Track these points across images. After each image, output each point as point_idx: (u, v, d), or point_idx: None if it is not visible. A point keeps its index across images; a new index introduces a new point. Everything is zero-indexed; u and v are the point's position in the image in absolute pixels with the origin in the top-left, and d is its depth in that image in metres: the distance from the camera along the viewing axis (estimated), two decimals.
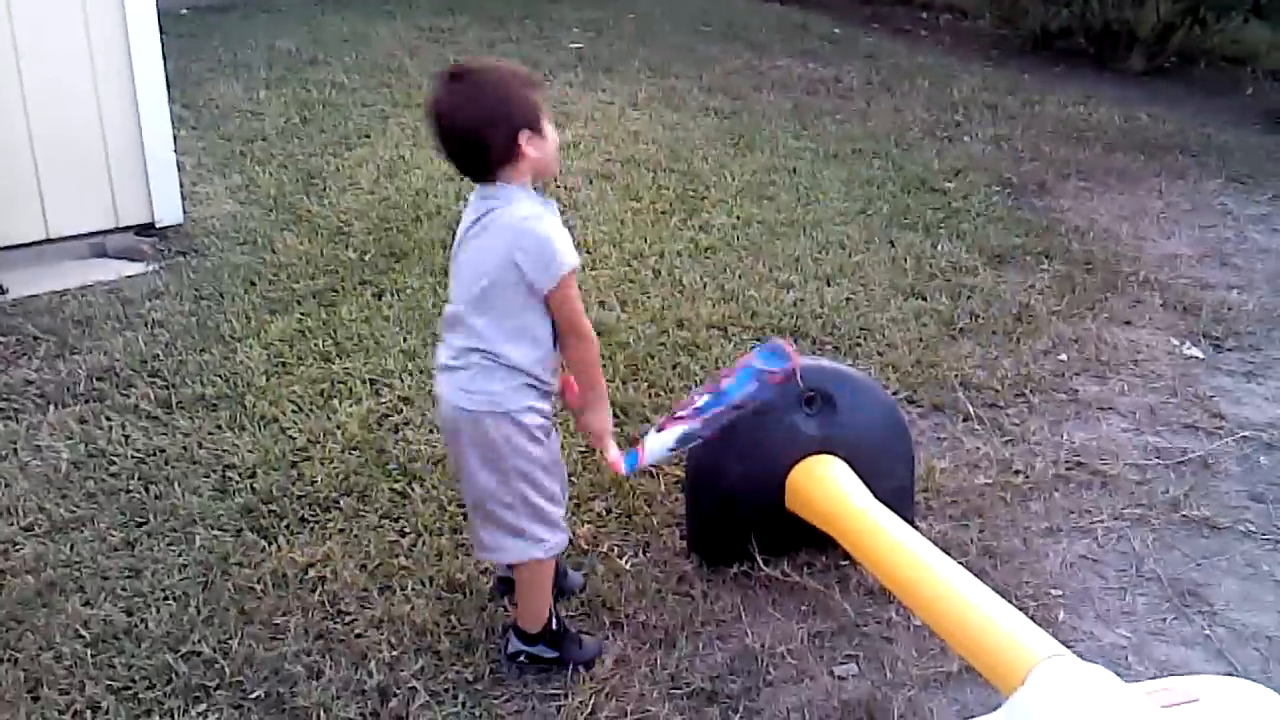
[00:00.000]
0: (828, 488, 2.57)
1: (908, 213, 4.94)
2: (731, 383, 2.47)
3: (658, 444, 2.43)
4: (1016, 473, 3.11)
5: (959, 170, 5.51)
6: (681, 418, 2.45)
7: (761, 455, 2.62)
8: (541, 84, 2.22)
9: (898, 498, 2.64)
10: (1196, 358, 3.79)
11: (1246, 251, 4.75)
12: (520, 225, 2.10)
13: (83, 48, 4.18)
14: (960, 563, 2.27)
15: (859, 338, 3.82)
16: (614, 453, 2.34)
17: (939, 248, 4.57)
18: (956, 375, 3.59)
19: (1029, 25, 8.55)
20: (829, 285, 4.20)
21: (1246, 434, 3.34)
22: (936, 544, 2.34)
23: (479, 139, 2.09)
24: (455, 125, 2.11)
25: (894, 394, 3.48)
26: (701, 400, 2.47)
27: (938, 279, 4.29)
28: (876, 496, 2.51)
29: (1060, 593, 2.66)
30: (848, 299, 4.09)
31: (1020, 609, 2.07)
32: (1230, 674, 2.41)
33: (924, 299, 4.13)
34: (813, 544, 2.69)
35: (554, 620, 2.38)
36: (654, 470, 3.05)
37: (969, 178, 5.41)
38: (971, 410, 3.41)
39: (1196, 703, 1.77)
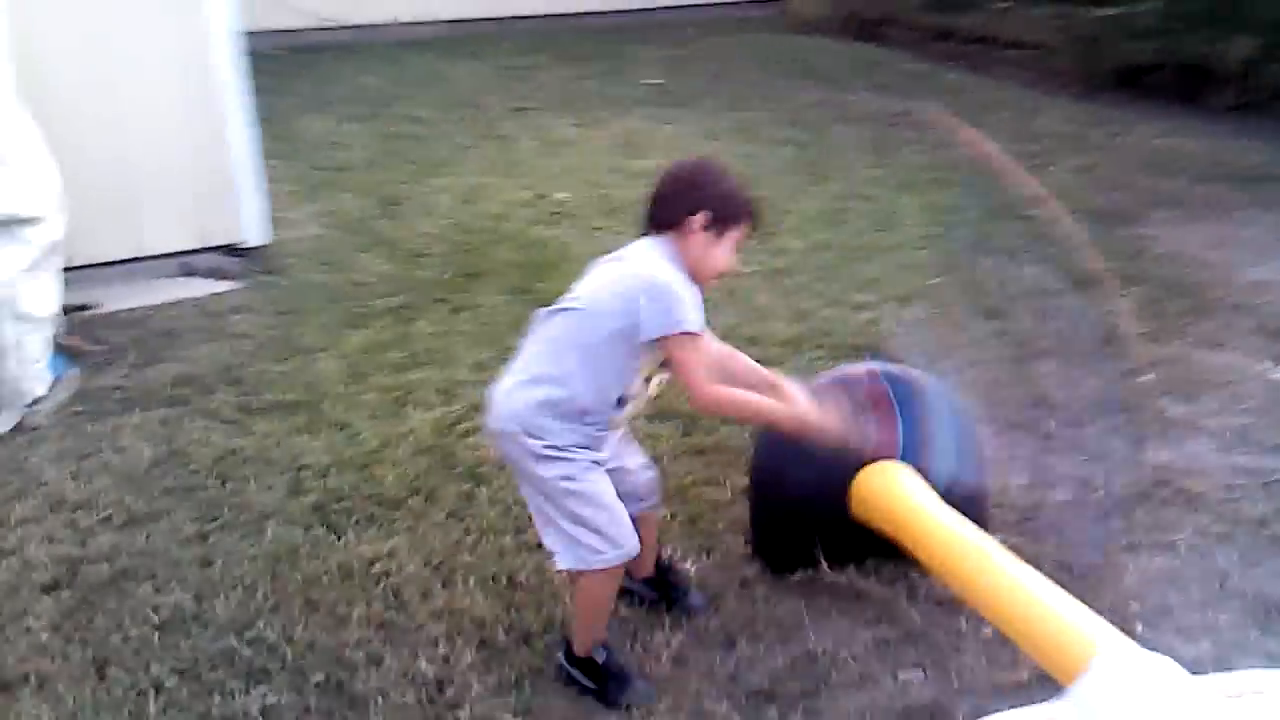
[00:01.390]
0: (893, 491, 2.52)
1: (989, 239, 4.87)
2: None
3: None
4: (1096, 489, 3.02)
5: (1042, 199, 5.43)
6: None
7: (826, 460, 2.58)
8: (760, 212, 2.28)
9: (971, 505, 2.58)
10: None
11: None
12: (659, 274, 2.12)
13: (174, 76, 4.36)
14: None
15: (936, 357, 3.76)
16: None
17: (1022, 271, 4.49)
18: (1036, 394, 3.51)
19: (1111, 61, 8.42)
20: (905, 306, 4.16)
21: None
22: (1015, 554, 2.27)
23: (664, 197, 2.18)
24: (662, 181, 2.22)
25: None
26: None
27: (1019, 301, 4.22)
28: (951, 504, 2.46)
29: (1138, 607, 2.57)
30: (925, 319, 4.04)
31: None
32: None
33: (1004, 320, 4.05)
34: (881, 554, 2.63)
35: (604, 655, 2.29)
36: (719, 477, 3.04)
37: (1052, 206, 5.32)
38: (1051, 428, 3.33)
39: (1262, 695, 1.69)
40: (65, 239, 3.48)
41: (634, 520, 2.31)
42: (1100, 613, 2.50)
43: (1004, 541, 2.71)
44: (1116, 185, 5.68)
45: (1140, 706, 1.66)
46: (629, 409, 2.22)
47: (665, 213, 2.18)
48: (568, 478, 2.15)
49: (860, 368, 2.72)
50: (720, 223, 2.17)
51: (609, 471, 2.25)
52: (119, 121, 4.25)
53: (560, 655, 2.33)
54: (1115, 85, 8.35)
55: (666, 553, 2.66)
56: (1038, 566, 2.64)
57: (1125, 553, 2.75)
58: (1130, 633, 2.45)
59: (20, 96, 3.46)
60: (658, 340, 2.09)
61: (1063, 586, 2.58)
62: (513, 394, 2.17)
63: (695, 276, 2.17)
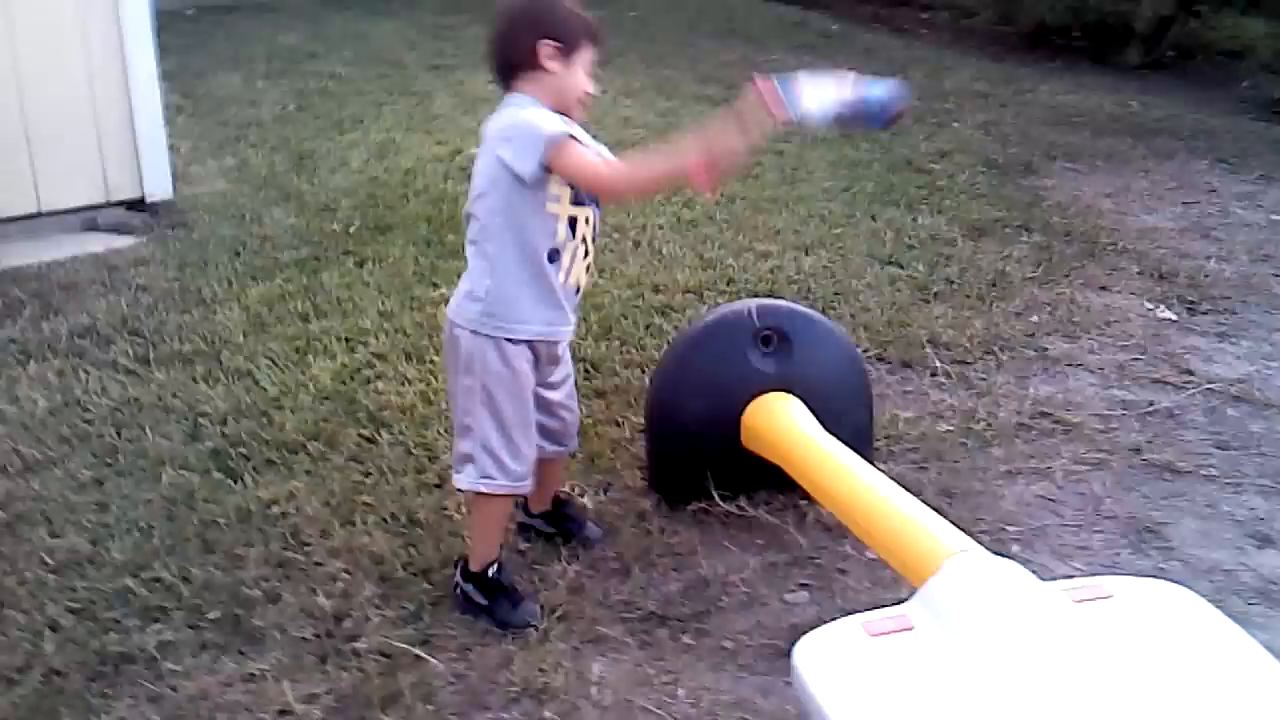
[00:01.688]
0: (780, 423, 2.60)
1: (891, 190, 4.97)
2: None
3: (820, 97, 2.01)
4: (979, 421, 3.13)
5: (945, 153, 5.55)
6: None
7: (718, 392, 2.66)
8: (598, 30, 2.21)
9: (856, 439, 2.65)
10: (1170, 320, 3.81)
11: (1229, 226, 4.77)
12: (503, 118, 2.11)
13: (76, 31, 4.26)
14: (919, 499, 2.27)
15: (833, 301, 3.85)
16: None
17: (919, 221, 4.61)
18: (927, 334, 3.62)
19: (1025, 21, 8.59)
20: (807, 255, 4.24)
21: (1215, 387, 3.36)
22: (896, 482, 2.33)
23: (504, 38, 2.16)
24: (495, 25, 2.18)
25: (864, 351, 3.51)
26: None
27: (916, 249, 4.33)
28: (837, 437, 2.54)
29: (1016, 529, 2.69)
30: (825, 267, 4.13)
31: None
32: None
33: (901, 267, 4.16)
34: (774, 485, 2.71)
35: (496, 570, 2.35)
36: (618, 418, 3.09)
37: (955, 159, 5.45)
38: (939, 365, 3.44)
39: (1110, 599, 1.78)
40: None
41: (545, 460, 2.40)
42: (977, 535, 2.62)
43: (889, 469, 2.83)
44: (1019, 139, 5.82)
45: (986, 605, 1.75)
46: (565, 261, 2.19)
47: (511, 54, 2.14)
48: (485, 388, 2.20)
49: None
50: (567, 48, 2.13)
51: (543, 403, 2.32)
52: (15, 74, 4.16)
53: (456, 575, 2.39)
54: (1029, 45, 8.53)
55: (564, 488, 2.71)
56: (920, 491, 2.76)
57: (1004, 480, 2.87)
58: (1006, 554, 2.58)
59: None
60: (542, 171, 2.06)
61: (943, 510, 2.69)
62: (457, 302, 2.23)
63: (561, 109, 2.14)
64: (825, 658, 1.74)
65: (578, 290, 2.28)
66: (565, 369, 2.41)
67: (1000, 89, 6.87)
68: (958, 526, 2.16)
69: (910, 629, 1.77)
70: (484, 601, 2.35)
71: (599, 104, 6.21)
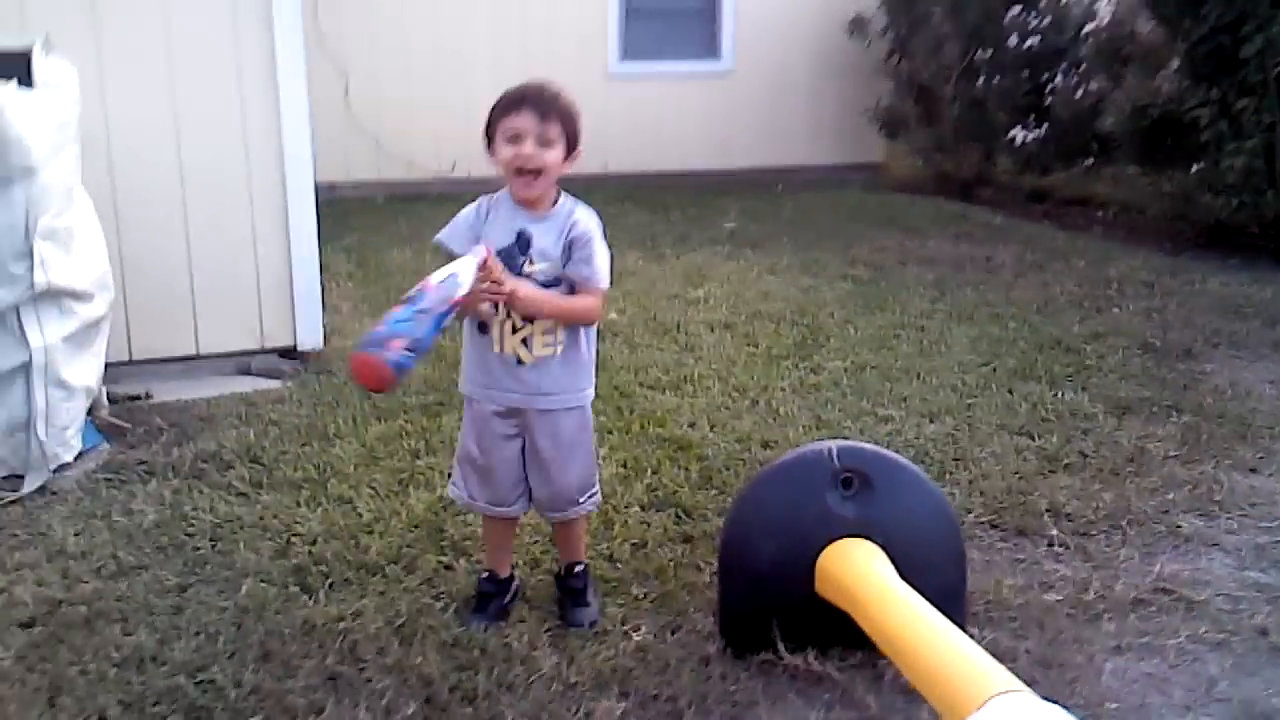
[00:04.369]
0: (855, 569, 2.45)
1: (1034, 366, 4.78)
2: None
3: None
4: (1092, 593, 2.87)
5: (1099, 335, 5.32)
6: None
7: (792, 533, 2.54)
8: (506, 98, 2.50)
9: (943, 597, 2.47)
10: None
11: None
12: None
13: (244, 194, 4.63)
14: (1010, 668, 2.06)
15: (951, 467, 3.68)
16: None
17: (1060, 396, 4.39)
18: (1048, 504, 3.39)
19: (1197, 217, 8.31)
20: (931, 421, 4.09)
21: None
22: (988, 650, 2.14)
23: None
24: None
25: (976, 516, 3.32)
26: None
27: (1051, 422, 4.11)
28: (920, 594, 2.37)
29: (1115, 705, 2.42)
30: (949, 434, 3.97)
31: None
32: None
33: (1031, 438, 3.95)
34: (849, 642, 2.54)
35: (483, 577, 2.78)
36: (700, 563, 2.99)
37: (1108, 341, 5.21)
38: (1057, 535, 3.20)
39: None
40: (108, 317, 3.71)
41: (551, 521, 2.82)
42: (1072, 709, 2.37)
43: (982, 635, 2.62)
44: (1181, 325, 5.54)
45: None
46: (495, 333, 2.55)
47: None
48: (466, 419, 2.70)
49: None
50: (489, 135, 2.51)
51: (533, 459, 2.64)
52: (185, 230, 4.53)
53: None
54: (1205, 243, 8.22)
55: (579, 568, 2.82)
56: (1014, 660, 2.54)
57: (1109, 654, 2.60)
58: None
59: (87, 183, 3.75)
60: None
61: (1037, 680, 2.47)
62: None
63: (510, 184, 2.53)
64: None
65: (519, 362, 2.55)
66: (546, 445, 2.61)
67: (1166, 279, 6.60)
68: (1050, 699, 1.95)
69: None
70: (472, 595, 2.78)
71: (742, 277, 6.35)
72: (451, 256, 2.43)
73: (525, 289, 2.46)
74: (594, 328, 2.65)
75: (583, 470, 2.68)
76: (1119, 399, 4.36)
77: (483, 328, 2.57)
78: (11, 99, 3.28)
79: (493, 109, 2.50)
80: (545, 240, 2.51)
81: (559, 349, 2.56)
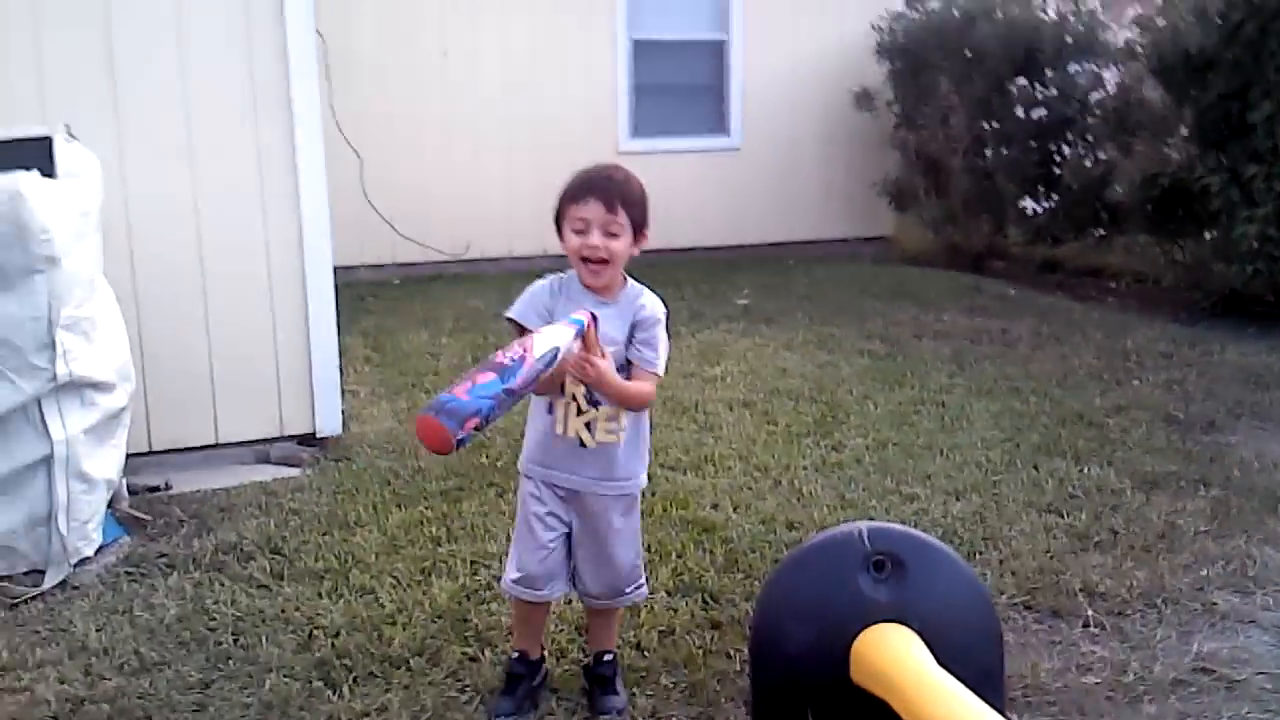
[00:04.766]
0: (891, 655, 2.40)
1: (1058, 442, 4.74)
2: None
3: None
4: (1131, 675, 2.81)
5: (1122, 408, 5.28)
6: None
7: (823, 618, 2.49)
8: (572, 185, 2.55)
9: (982, 682, 2.42)
10: None
11: None
12: None
13: (264, 284, 4.65)
14: None
15: (980, 546, 3.63)
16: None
17: (1086, 472, 4.35)
18: (1081, 583, 3.34)
19: (1212, 286, 8.30)
20: (957, 499, 4.05)
21: None
22: None
23: None
24: None
25: (1009, 598, 3.27)
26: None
27: (1079, 499, 4.07)
28: (959, 679, 2.32)
29: None
30: (975, 512, 3.92)
31: None
32: None
33: (1061, 515, 3.90)
34: None
35: (513, 659, 2.76)
36: (730, 650, 2.94)
37: (1131, 414, 5.18)
38: (1092, 615, 3.15)
39: None
40: (129, 408, 3.71)
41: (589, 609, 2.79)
42: None
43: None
44: (1203, 396, 5.50)
45: None
46: (559, 413, 2.56)
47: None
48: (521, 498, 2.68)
49: None
50: (559, 220, 2.53)
51: (584, 544, 2.63)
52: (206, 320, 4.55)
53: None
54: (1220, 312, 8.20)
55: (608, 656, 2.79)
56: None
57: None
58: None
59: (107, 271, 3.78)
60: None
61: None
62: None
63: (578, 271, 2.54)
64: None
65: (581, 444, 2.55)
66: (599, 530, 2.62)
67: (1185, 350, 6.58)
68: None
69: None
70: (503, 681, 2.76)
71: (759, 354, 6.34)
72: (522, 332, 2.42)
73: (608, 367, 2.45)
74: (648, 414, 2.64)
75: (633, 558, 2.68)
76: (1146, 473, 4.32)
77: (550, 407, 2.57)
78: (35, 188, 3.32)
79: (561, 195, 2.52)
80: (611, 324, 2.52)
81: (622, 434, 2.56)
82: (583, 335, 2.36)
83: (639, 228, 2.53)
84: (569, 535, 2.63)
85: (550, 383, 2.42)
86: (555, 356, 2.22)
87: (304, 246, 4.68)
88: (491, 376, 2.11)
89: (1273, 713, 2.64)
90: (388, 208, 9.27)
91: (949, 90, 9.69)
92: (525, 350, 2.17)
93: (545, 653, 2.84)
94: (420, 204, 9.38)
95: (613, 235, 2.47)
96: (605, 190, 2.48)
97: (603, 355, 2.44)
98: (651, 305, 2.58)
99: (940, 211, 10.02)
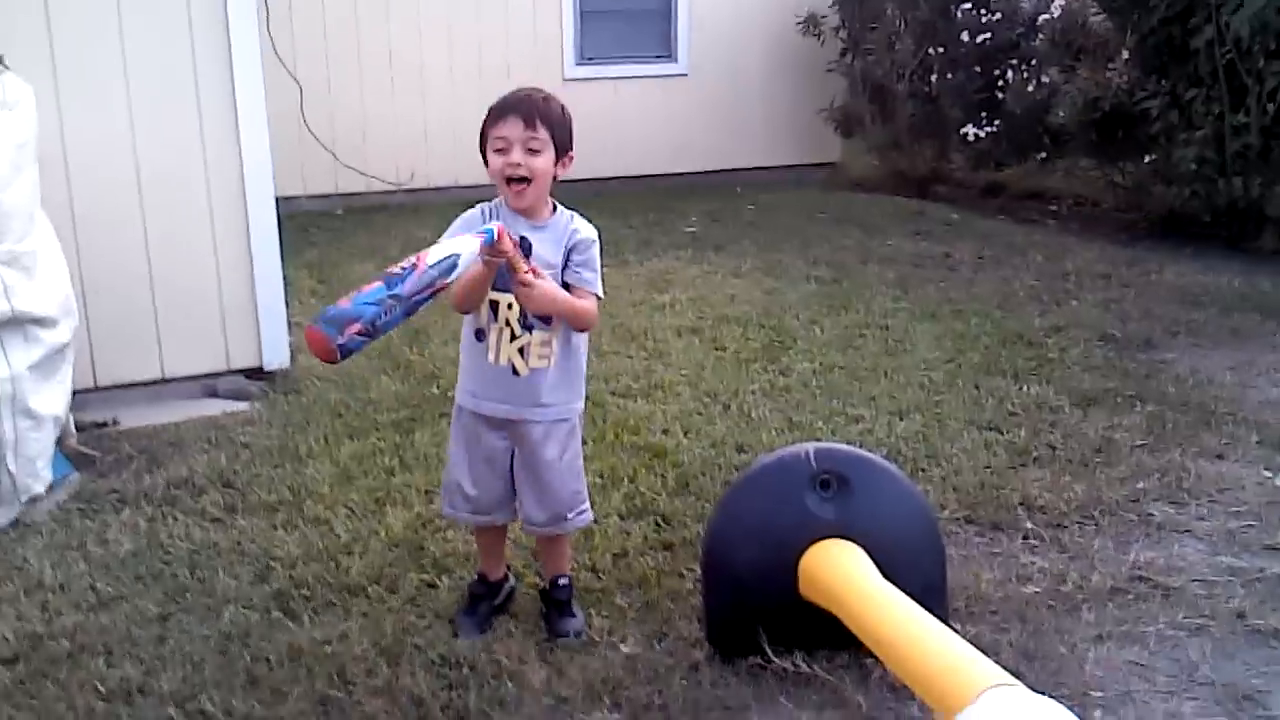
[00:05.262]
0: (837, 570, 2.48)
1: (998, 361, 4.85)
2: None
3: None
4: (1070, 584, 2.93)
5: (1060, 328, 5.40)
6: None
7: (773, 538, 2.57)
8: (495, 106, 2.52)
9: (926, 594, 2.50)
10: None
11: None
12: None
13: (204, 216, 4.58)
14: (994, 661, 2.09)
15: (924, 464, 3.73)
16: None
17: (1025, 390, 4.46)
18: (1020, 497, 3.45)
19: (1154, 209, 8.45)
20: (901, 419, 4.14)
21: None
22: (971, 644, 2.17)
23: None
24: None
25: (951, 512, 3.37)
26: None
27: (1018, 416, 4.18)
28: (903, 591, 2.40)
29: (1100, 694, 2.47)
30: (918, 431, 4.02)
31: None
32: None
33: (1000, 432, 4.01)
34: (835, 643, 2.56)
35: (475, 580, 2.85)
36: (683, 570, 3.01)
37: (1070, 334, 5.30)
38: (1031, 528, 3.26)
39: None
40: (72, 343, 3.67)
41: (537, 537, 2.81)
42: (1056, 699, 2.41)
43: (965, 629, 2.66)
44: (1140, 316, 5.64)
45: None
46: (491, 339, 2.57)
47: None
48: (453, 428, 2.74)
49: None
50: (482, 144, 2.52)
51: (522, 472, 2.66)
52: (146, 253, 4.48)
53: None
54: (1159, 234, 8.34)
55: (563, 580, 2.83)
56: (997, 653, 2.58)
57: (1091, 644, 2.65)
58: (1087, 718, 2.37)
59: (45, 203, 3.70)
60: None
61: (1022, 673, 2.51)
62: None
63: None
64: None
65: (515, 371, 2.56)
66: (536, 458, 2.63)
67: (1123, 270, 6.71)
68: (1037, 690, 1.99)
69: None
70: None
71: (707, 281, 6.38)
72: None
73: (551, 284, 2.45)
74: (585, 339, 2.66)
75: (573, 484, 2.70)
76: (1083, 391, 4.44)
77: (479, 334, 2.58)
78: None
79: (484, 120, 2.51)
80: (545, 248, 2.53)
81: (554, 360, 2.57)
82: (492, 245, 2.26)
83: (562, 149, 2.51)
84: (510, 465, 2.66)
85: (471, 296, 2.45)
86: (454, 264, 2.15)
87: (244, 171, 4.60)
88: (378, 284, 2.09)
89: (1206, 618, 2.76)
90: (329, 136, 9.10)
91: (895, 15, 9.67)
92: (418, 259, 2.13)
93: (509, 573, 2.88)
94: (362, 132, 9.23)
95: (534, 152, 2.46)
96: (524, 108, 2.47)
97: (539, 276, 2.43)
98: (585, 229, 2.58)
99: (886, 137, 10.05)
